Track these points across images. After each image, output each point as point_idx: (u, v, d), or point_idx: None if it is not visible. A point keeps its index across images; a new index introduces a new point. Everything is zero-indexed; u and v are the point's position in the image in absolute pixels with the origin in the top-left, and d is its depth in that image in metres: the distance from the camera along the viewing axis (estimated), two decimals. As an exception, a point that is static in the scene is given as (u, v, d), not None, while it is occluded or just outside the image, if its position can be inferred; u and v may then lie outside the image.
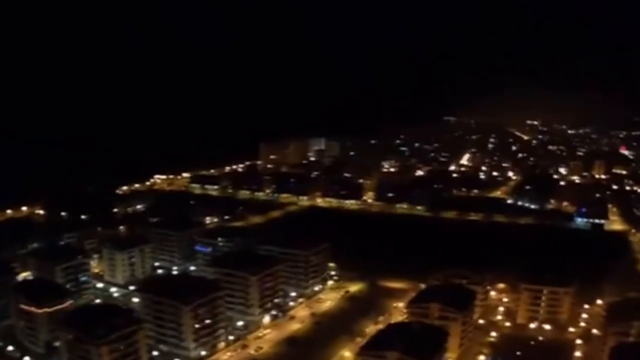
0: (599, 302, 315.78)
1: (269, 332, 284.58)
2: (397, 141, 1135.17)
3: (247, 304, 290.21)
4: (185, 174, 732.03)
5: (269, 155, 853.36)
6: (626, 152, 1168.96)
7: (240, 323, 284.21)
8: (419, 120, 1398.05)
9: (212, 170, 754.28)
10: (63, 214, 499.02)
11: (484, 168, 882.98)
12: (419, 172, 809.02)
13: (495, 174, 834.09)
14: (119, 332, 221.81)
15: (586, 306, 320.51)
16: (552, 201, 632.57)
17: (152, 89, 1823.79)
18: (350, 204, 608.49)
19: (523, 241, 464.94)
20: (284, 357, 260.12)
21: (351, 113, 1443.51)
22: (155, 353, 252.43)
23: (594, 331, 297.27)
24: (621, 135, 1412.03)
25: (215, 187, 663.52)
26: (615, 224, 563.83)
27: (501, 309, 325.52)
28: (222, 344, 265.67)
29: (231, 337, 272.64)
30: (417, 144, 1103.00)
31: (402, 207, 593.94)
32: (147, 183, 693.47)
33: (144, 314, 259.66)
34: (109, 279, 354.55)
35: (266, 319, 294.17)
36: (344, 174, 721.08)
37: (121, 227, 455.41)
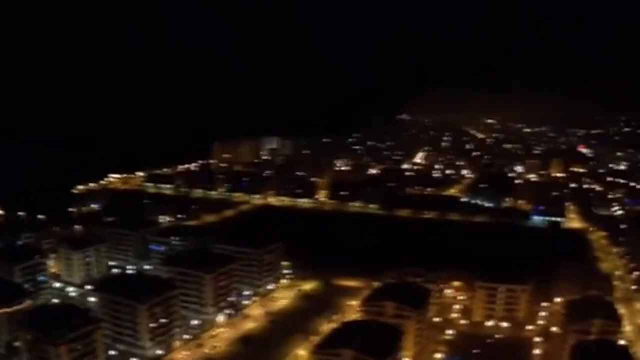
0: (558, 300, 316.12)
1: (224, 331, 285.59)
2: (351, 140, 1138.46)
3: (201, 303, 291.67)
4: (139, 173, 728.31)
5: (223, 154, 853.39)
6: (585, 151, 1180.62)
7: (195, 322, 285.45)
8: (372, 119, 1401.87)
9: (166, 170, 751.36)
10: (21, 214, 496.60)
11: (438, 167, 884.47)
12: (373, 171, 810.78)
13: (449, 172, 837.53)
14: (77, 332, 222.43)
15: (544, 304, 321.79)
16: (508, 199, 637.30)
17: (107, 87, 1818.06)
18: (303, 202, 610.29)
19: (479, 239, 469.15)
20: (239, 356, 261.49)
21: (306, 111, 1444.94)
22: (112, 353, 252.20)
23: (553, 329, 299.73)
24: (580, 134, 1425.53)
25: (170, 186, 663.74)
26: (573, 222, 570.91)
27: (457, 307, 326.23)
28: (177, 343, 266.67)
29: (187, 337, 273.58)
30: (370, 143, 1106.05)
31: (356, 206, 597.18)
32: (102, 182, 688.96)
33: (101, 313, 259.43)
34: (66, 278, 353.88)
35: (221, 318, 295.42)
36: (297, 173, 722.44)
37: (77, 227, 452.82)
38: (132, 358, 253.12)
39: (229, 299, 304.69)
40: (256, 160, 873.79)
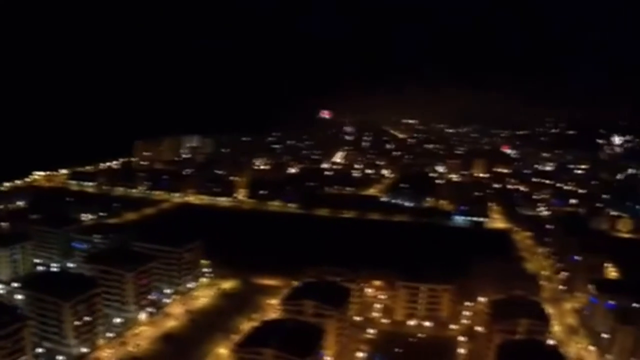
0: (481, 299, 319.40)
1: (145, 329, 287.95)
2: (270, 139, 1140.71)
3: (123, 300, 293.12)
4: (63, 171, 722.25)
5: (144, 152, 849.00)
6: (509, 151, 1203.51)
7: (117, 320, 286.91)
8: (291, 118, 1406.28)
9: (88, 167, 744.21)
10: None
11: (357, 166, 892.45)
12: (292, 170, 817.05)
13: (369, 172, 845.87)
14: (5, 329, 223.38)
15: (468, 304, 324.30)
16: (429, 199, 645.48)
17: (29, 84, 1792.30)
18: (222, 201, 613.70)
19: (399, 239, 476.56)
20: (162, 354, 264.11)
21: (226, 110, 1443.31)
22: (39, 350, 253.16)
23: (478, 328, 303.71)
24: (503, 135, 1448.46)
25: (92, 184, 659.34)
26: (497, 222, 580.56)
27: (378, 306, 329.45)
28: (101, 341, 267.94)
29: (110, 335, 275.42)
30: (290, 142, 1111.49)
31: (275, 205, 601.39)
32: (27, 179, 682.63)
33: (27, 310, 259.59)
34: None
35: (143, 316, 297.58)
36: (216, 171, 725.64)
37: (3, 224, 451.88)
38: (58, 356, 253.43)
39: (150, 297, 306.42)
40: (176, 159, 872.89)
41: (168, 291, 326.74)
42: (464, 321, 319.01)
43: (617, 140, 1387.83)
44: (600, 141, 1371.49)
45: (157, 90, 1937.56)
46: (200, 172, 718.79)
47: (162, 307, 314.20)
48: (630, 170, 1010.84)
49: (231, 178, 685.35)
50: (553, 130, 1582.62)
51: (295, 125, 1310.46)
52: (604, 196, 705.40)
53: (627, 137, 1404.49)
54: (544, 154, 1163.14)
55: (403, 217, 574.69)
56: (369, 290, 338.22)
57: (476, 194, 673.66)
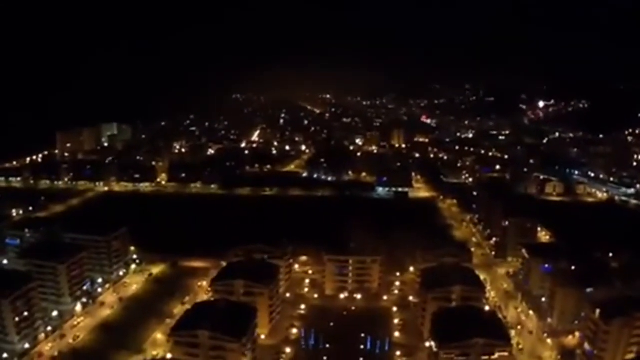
0: (412, 269, 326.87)
1: (82, 320, 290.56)
2: (188, 122, 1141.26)
3: (58, 293, 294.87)
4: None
5: (66, 143, 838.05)
6: (428, 121, 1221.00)
7: (55, 313, 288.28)
8: (207, 99, 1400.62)
9: (15, 162, 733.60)
10: None
11: (275, 143, 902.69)
12: (211, 151, 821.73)
13: (287, 148, 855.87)
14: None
15: (398, 274, 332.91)
16: (349, 172, 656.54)
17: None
18: (145, 187, 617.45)
19: (323, 213, 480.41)
20: (101, 344, 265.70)
21: (141, 95, 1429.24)
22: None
23: (410, 298, 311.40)
24: (422, 104, 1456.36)
25: (18, 179, 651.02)
26: (421, 191, 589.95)
27: (307, 281, 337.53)
28: (42, 336, 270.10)
29: (49, 328, 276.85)
30: (207, 124, 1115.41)
31: (196, 187, 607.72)
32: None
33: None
34: None
35: (78, 307, 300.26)
36: (137, 158, 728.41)
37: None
38: (2, 354, 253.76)
39: (84, 288, 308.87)
40: (98, 148, 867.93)
41: (100, 280, 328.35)
42: (396, 292, 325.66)
43: (541, 104, 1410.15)
44: (523, 106, 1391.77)
45: (71, 79, 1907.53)
46: (121, 159, 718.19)
47: (96, 297, 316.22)
48: (557, 134, 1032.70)
49: (152, 163, 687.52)
50: (473, 98, 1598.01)
51: (211, 107, 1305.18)
52: (531, 161, 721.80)
53: (551, 102, 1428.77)
54: (465, 122, 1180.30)
55: (325, 192, 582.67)
56: (297, 267, 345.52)
57: (397, 164, 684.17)
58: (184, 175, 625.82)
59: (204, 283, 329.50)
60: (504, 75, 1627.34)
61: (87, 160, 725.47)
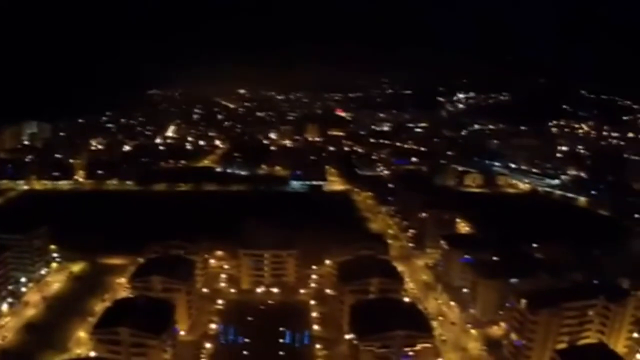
0: (328, 262, 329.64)
1: (8, 320, 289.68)
2: (104, 118, 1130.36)
3: None
4: None
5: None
6: (342, 114, 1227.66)
7: None
8: (122, 96, 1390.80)
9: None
10: None
11: (190, 139, 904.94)
12: (127, 148, 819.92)
13: (202, 143, 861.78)
14: None
15: (314, 267, 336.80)
16: (264, 166, 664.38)
17: None
18: (63, 184, 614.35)
19: (238, 208, 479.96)
20: (27, 344, 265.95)
21: (58, 93, 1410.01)
22: None
23: (327, 291, 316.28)
24: (337, 98, 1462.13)
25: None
26: (335, 184, 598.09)
27: (224, 276, 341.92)
28: None
29: None
30: (123, 120, 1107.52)
31: (113, 183, 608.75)
32: None
33: None
34: None
35: (4, 307, 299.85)
36: (55, 156, 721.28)
37: None
38: None
39: (8, 288, 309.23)
40: (19, 146, 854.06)
41: (24, 280, 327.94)
42: (313, 285, 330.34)
43: (460, 96, 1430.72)
44: (441, 99, 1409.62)
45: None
46: (41, 157, 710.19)
47: (20, 297, 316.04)
48: (475, 126, 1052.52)
49: (70, 161, 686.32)
50: (389, 91, 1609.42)
51: (127, 103, 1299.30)
52: (449, 152, 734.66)
53: (470, 94, 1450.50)
54: (381, 115, 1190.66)
55: (239, 186, 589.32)
56: (213, 262, 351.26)
57: (311, 158, 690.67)
58: (100, 172, 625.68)
59: (123, 280, 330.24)
60: (422, 69, 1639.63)
61: (8, 158, 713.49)
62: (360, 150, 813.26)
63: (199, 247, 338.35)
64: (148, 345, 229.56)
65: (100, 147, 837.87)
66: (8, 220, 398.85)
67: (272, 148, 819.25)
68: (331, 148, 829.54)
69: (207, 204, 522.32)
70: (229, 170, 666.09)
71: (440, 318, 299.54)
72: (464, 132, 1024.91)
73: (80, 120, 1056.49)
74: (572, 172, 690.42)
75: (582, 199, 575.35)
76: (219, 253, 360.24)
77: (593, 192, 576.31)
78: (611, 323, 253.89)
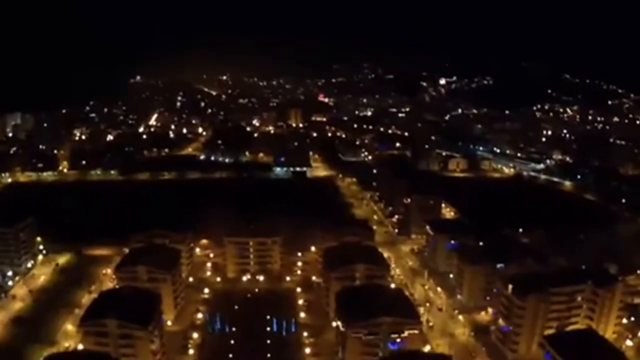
0: (313, 249, 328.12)
1: None
2: (87, 108, 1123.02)
3: None
4: None
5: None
6: (325, 100, 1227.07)
7: None
8: (105, 84, 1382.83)
9: None
10: None
11: (173, 127, 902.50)
12: (110, 137, 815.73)
13: (185, 131, 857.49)
14: None
15: (300, 254, 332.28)
16: (247, 153, 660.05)
17: None
18: (48, 175, 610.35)
19: (222, 195, 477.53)
20: (15, 338, 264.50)
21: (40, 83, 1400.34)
22: None
23: (313, 278, 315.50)
24: (320, 84, 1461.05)
25: None
26: (319, 170, 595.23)
27: (209, 265, 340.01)
28: None
29: None
30: (105, 110, 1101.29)
31: (97, 174, 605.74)
32: None
33: None
34: None
35: None
36: (39, 147, 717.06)
37: None
38: None
39: None
40: (3, 138, 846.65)
41: (10, 273, 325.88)
42: (299, 272, 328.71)
43: (442, 81, 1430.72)
44: (423, 84, 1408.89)
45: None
46: (24, 149, 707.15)
47: (7, 290, 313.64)
48: (459, 110, 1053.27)
49: (54, 152, 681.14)
50: (371, 76, 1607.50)
51: (109, 92, 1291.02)
52: (432, 137, 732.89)
53: (454, 78, 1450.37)
54: (363, 100, 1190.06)
55: (223, 174, 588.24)
56: (198, 250, 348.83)
57: (295, 144, 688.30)
58: (84, 162, 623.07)
59: (109, 270, 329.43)
60: (404, 54, 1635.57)
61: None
62: (343, 135, 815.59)
63: (184, 236, 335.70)
64: (135, 337, 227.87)
65: (83, 137, 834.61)
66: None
67: (255, 135, 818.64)
68: (314, 134, 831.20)
69: (191, 192, 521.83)
70: (212, 158, 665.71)
71: (427, 304, 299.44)
72: (447, 117, 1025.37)
73: (63, 111, 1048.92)
74: (557, 156, 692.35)
75: (567, 184, 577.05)
76: (204, 242, 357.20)
77: (578, 176, 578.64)
78: (600, 309, 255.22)
